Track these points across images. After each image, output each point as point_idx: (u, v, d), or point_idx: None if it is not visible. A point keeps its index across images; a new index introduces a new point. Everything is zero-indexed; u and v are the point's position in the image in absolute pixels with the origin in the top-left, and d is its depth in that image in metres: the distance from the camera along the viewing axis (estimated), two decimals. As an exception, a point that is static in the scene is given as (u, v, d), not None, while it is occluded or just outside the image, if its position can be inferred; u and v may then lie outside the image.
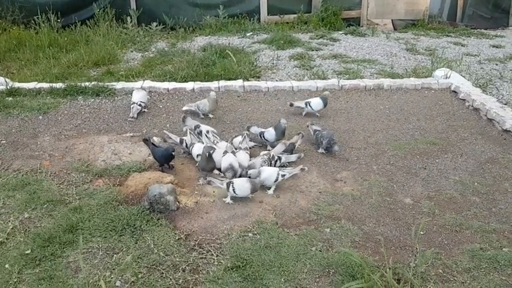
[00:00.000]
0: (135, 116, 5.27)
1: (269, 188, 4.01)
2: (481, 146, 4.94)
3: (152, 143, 4.34)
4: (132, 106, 5.34)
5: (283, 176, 4.02)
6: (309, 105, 5.44)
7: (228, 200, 3.82)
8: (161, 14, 9.18)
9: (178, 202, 3.70)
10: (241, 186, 3.80)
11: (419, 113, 5.65)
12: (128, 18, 8.80)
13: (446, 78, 6.50)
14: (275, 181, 3.99)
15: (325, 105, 5.45)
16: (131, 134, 4.94)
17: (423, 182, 4.26)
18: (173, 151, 4.17)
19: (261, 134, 4.72)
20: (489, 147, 4.91)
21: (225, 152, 4.20)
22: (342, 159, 4.60)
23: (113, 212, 3.60)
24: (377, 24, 10.22)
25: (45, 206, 3.73)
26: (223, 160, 4.11)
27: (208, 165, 4.09)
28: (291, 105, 5.51)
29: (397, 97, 6.07)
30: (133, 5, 9.14)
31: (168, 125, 5.20)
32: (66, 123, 5.16)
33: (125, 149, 4.59)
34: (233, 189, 3.78)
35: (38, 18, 8.38)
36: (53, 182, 4.05)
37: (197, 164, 4.28)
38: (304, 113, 5.52)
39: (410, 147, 4.86)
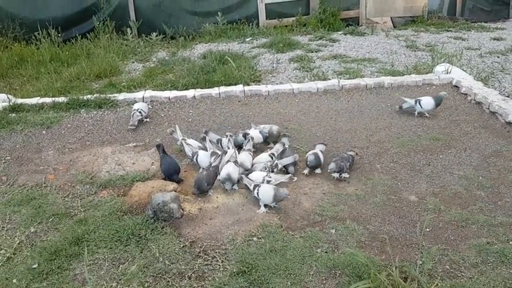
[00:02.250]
0: (136, 123, 5.30)
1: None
2: (484, 139, 4.91)
3: (163, 151, 4.36)
4: (132, 113, 5.38)
5: (268, 182, 3.98)
6: (419, 103, 5.34)
7: (261, 210, 3.78)
8: (161, 24, 9.25)
9: (182, 209, 3.70)
10: (265, 192, 3.77)
11: (422, 110, 5.63)
12: (128, 29, 8.88)
13: (447, 73, 6.47)
14: None
15: (437, 105, 5.35)
16: (134, 144, 4.96)
17: (427, 179, 4.24)
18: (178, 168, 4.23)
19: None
20: (493, 140, 4.88)
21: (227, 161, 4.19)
22: (345, 160, 4.59)
23: (118, 223, 3.61)
24: (376, 22, 10.21)
25: (51, 219, 3.75)
26: (222, 170, 4.10)
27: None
28: (400, 108, 5.46)
29: (398, 94, 6.03)
30: (132, 16, 9.22)
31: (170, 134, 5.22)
32: (69, 137, 5.19)
33: (128, 159, 4.61)
34: (257, 193, 3.78)
35: (38, 34, 8.47)
36: (58, 195, 4.08)
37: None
38: (416, 114, 5.42)
39: (413, 144, 4.84)
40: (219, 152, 4.30)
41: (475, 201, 3.90)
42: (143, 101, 5.80)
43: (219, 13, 9.36)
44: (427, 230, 3.53)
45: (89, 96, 6.02)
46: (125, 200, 3.91)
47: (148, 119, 5.51)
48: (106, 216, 3.71)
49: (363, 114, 5.56)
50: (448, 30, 9.63)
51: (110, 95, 6.09)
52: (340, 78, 6.53)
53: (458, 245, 3.40)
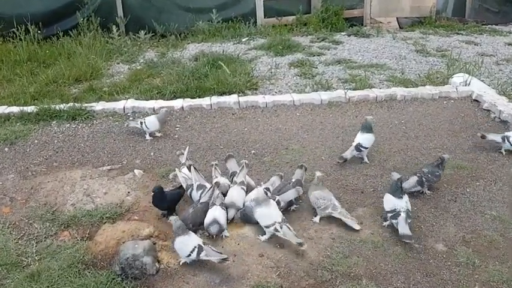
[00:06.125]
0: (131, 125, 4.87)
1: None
2: (516, 167, 4.24)
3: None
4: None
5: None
6: (507, 140, 4.41)
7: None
8: (150, 21, 8.52)
9: (159, 262, 3.00)
10: None
11: (440, 128, 4.95)
12: (114, 26, 8.11)
13: (466, 85, 5.79)
14: None
15: None
16: (109, 167, 4.25)
17: (455, 220, 3.55)
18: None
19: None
20: (526, 169, 4.22)
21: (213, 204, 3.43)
22: (355, 192, 3.90)
23: (77, 280, 2.90)
24: (381, 22, 9.57)
25: (-2, 271, 3.05)
26: (208, 214, 3.36)
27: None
28: (483, 137, 4.51)
29: (412, 109, 5.36)
30: (120, 12, 8.48)
31: (152, 153, 4.52)
32: (35, 156, 4.48)
33: (100, 188, 3.90)
34: None
35: (17, 30, 7.70)
36: (10, 236, 3.37)
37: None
38: (503, 151, 4.46)
39: (434, 172, 4.16)
40: (207, 185, 3.59)
41: (514, 252, 3.23)
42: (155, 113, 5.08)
43: (213, 10, 8.63)
44: (461, 292, 2.87)
45: (61, 105, 5.30)
46: (89, 246, 3.20)
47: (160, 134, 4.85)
48: (64, 269, 3.00)
49: (374, 133, 4.86)
50: (458, 33, 8.96)
51: (86, 105, 5.38)
52: (347, 89, 5.82)
53: (502, 315, 2.75)
